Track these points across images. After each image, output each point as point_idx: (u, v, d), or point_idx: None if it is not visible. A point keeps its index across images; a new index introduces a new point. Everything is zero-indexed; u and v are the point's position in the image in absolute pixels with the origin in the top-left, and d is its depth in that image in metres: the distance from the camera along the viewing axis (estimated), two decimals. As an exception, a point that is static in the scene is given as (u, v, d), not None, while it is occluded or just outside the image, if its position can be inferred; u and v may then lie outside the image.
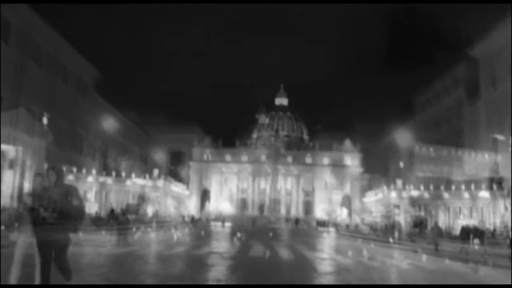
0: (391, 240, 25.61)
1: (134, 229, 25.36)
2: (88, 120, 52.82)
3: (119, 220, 22.07)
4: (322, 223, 57.07)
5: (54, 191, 5.79)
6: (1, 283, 6.12)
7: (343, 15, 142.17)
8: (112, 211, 30.01)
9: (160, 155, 70.27)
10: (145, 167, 75.33)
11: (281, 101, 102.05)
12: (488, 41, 42.39)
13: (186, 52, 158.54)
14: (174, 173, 76.78)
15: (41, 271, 5.71)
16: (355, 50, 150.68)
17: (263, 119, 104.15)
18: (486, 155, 37.58)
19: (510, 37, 37.96)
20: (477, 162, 38.49)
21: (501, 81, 40.82)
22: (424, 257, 16.86)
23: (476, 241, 22.85)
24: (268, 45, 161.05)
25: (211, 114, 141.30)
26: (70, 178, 45.44)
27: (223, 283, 9.53)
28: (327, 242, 27.91)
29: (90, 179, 49.05)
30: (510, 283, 10.37)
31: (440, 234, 25.80)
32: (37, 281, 5.74)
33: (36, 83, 40.40)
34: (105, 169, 54.78)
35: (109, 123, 52.42)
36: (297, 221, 57.10)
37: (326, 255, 18.14)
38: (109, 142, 57.71)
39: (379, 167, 74.41)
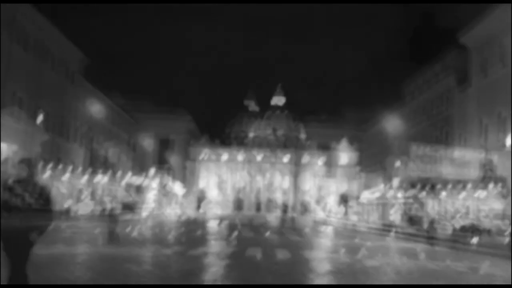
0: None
1: (129, 227, 24.99)
2: (75, 105, 51.88)
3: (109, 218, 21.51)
4: (319, 222, 57.76)
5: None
6: (1, 283, 6.10)
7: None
8: (103, 210, 29.76)
9: (148, 142, 69.55)
10: (133, 154, 74.67)
11: (278, 100, 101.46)
12: (479, 28, 42.24)
13: (176, 39, 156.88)
14: (163, 161, 76.31)
15: (16, 263, 5.52)
16: (343, 37, 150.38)
17: (253, 106, 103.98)
18: (477, 153, 37.45)
19: (502, 24, 37.92)
20: (470, 160, 38.33)
21: (492, 68, 40.81)
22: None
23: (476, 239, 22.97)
24: (262, 40, 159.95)
25: (200, 101, 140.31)
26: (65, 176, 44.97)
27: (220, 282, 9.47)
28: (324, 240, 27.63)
29: (85, 178, 48.21)
30: (510, 283, 10.15)
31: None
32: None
33: (21, 68, 39.45)
34: (92, 156, 53.98)
35: (97, 109, 51.54)
36: (293, 220, 58.29)
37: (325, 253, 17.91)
38: (97, 128, 56.84)
39: (370, 161, 74.53)
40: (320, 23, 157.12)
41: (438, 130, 53.72)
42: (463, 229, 28.02)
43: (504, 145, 35.98)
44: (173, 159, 74.57)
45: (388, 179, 57.77)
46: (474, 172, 37.43)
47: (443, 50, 54.49)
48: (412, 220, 37.11)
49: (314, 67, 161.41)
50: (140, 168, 72.06)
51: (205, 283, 9.37)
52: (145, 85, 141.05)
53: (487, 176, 32.20)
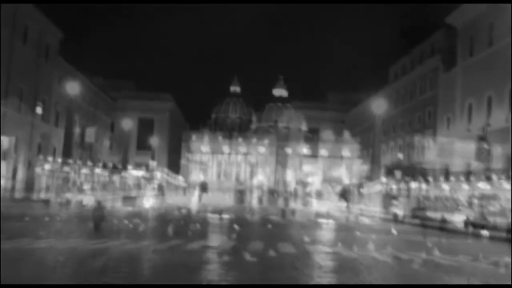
0: None
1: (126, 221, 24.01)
2: (50, 84, 49.90)
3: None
4: (321, 215, 57.02)
5: None
6: (1, 283, 6.28)
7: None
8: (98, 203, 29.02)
9: (128, 123, 67.71)
10: (112, 135, 72.84)
11: (280, 92, 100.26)
12: (467, 7, 41.64)
13: (159, 19, 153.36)
14: (143, 142, 74.61)
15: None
16: (331, 23, 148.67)
17: (236, 89, 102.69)
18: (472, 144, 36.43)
19: (490, 3, 37.31)
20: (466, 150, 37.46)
21: (479, 49, 40.28)
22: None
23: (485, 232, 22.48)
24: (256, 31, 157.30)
25: (183, 83, 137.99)
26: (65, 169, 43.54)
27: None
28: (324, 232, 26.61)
29: (84, 171, 46.82)
30: (510, 283, 9.93)
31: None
32: None
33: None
34: (68, 137, 52.22)
35: (74, 89, 49.57)
36: (293, 212, 58.14)
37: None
38: (74, 108, 54.93)
39: (368, 143, 73.82)
40: (306, 11, 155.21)
41: (420, 111, 53.45)
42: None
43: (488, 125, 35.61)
44: (154, 140, 72.83)
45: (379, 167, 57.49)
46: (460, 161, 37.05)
47: (429, 32, 54.01)
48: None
49: (299, 52, 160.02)
50: (119, 149, 70.51)
51: (206, 283, 8.88)
52: (125, 64, 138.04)
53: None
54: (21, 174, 42.19)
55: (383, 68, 68.26)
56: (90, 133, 55.89)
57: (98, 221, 18.80)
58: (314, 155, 78.60)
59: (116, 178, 51.57)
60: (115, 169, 50.59)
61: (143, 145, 74.06)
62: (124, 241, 15.21)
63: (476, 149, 32.64)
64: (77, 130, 56.64)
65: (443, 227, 26.10)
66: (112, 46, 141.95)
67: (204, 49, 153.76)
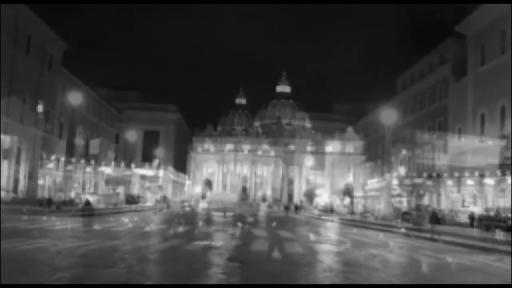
0: (403, 229, 23.34)
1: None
2: (54, 94, 49.35)
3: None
4: (324, 211, 56.27)
5: None
6: (1, 283, 6.20)
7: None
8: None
9: (133, 134, 67.03)
10: (117, 146, 72.17)
11: (283, 88, 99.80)
12: (477, 14, 40.69)
13: (163, 30, 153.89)
14: (148, 153, 73.85)
15: None
16: (339, 32, 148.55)
17: (242, 101, 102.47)
18: (490, 141, 35.70)
19: (502, 9, 36.31)
20: (481, 148, 36.63)
21: (491, 57, 39.19)
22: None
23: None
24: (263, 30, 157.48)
25: (188, 94, 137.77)
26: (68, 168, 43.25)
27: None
28: (332, 232, 25.49)
29: (88, 169, 46.48)
30: (510, 283, 9.54)
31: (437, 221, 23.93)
32: None
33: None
34: (71, 147, 51.59)
35: (78, 99, 49.00)
36: (296, 208, 57.81)
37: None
38: (78, 119, 54.33)
39: (376, 154, 72.99)
40: (314, 19, 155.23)
41: (430, 121, 52.24)
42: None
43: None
44: (159, 151, 72.11)
45: (390, 168, 56.23)
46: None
47: (438, 41, 53.10)
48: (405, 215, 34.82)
49: (306, 62, 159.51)
50: (124, 160, 69.74)
51: (205, 283, 8.25)
52: (131, 76, 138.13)
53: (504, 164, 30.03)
54: (22, 185, 41.44)
55: (390, 78, 67.50)
56: (94, 145, 55.10)
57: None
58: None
59: (120, 189, 50.88)
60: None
61: (148, 157, 73.25)
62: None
63: (501, 157, 31.22)
64: (81, 142, 56.01)
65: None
66: (117, 57, 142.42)
67: (210, 59, 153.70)
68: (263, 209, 59.29)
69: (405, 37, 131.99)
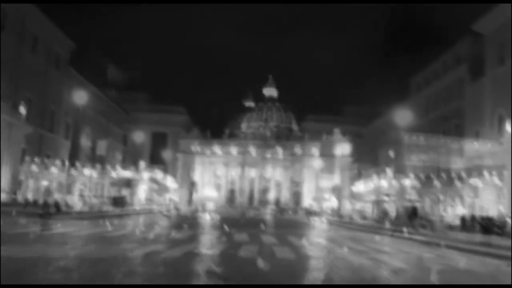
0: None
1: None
2: (60, 94, 48.66)
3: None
4: (311, 213, 56.72)
5: None
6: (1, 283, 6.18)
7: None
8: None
9: (140, 136, 66.25)
10: (125, 148, 71.44)
11: (270, 91, 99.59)
12: (495, 12, 39.22)
13: (172, 31, 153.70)
14: (156, 155, 73.10)
15: None
16: (349, 30, 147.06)
17: (251, 104, 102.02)
18: (489, 144, 34.38)
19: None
20: (478, 150, 35.34)
21: (510, 56, 37.69)
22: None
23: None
24: (256, 34, 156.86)
25: (197, 97, 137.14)
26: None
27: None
28: (326, 234, 24.48)
29: (87, 171, 45.22)
30: (510, 283, 9.38)
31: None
32: None
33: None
34: (77, 149, 50.78)
35: (83, 98, 48.22)
36: (282, 210, 58.54)
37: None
38: (84, 120, 53.60)
39: (369, 156, 72.06)
40: (321, 19, 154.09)
41: (446, 123, 50.68)
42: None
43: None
44: (167, 154, 71.26)
45: (381, 169, 54.99)
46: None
47: (453, 41, 51.61)
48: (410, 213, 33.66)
49: (316, 63, 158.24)
50: (132, 162, 68.94)
51: (205, 283, 8.06)
52: (139, 77, 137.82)
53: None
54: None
55: (402, 80, 65.88)
56: (102, 146, 54.32)
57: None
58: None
59: (126, 192, 49.80)
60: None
61: (156, 159, 72.44)
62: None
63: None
64: (88, 143, 55.25)
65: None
66: (126, 58, 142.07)
67: (219, 61, 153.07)
68: (268, 213, 58.75)
69: (418, 38, 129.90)
